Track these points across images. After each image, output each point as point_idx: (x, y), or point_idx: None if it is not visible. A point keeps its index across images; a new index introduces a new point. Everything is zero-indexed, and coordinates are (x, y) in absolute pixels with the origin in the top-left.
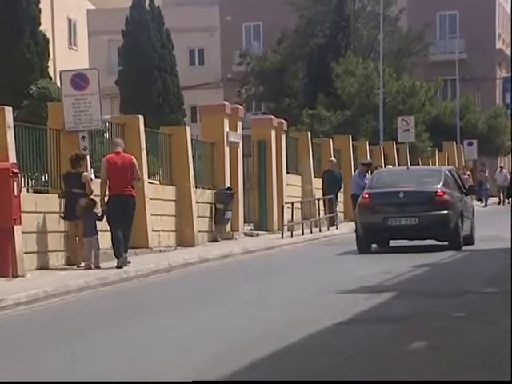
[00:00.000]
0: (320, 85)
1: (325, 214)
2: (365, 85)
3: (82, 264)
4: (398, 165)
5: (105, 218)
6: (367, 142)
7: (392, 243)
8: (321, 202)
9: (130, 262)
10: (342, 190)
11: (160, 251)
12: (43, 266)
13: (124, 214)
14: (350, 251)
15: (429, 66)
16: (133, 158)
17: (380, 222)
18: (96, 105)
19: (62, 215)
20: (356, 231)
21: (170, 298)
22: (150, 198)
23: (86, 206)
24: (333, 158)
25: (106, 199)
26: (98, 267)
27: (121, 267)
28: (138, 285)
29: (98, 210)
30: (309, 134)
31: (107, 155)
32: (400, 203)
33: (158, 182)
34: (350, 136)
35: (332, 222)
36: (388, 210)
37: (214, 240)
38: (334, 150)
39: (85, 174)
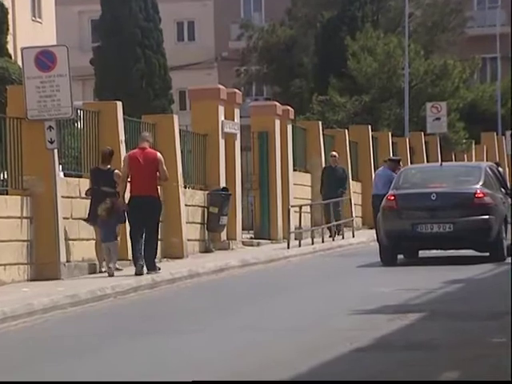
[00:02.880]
0: (332, 65)
1: (327, 221)
2: (386, 64)
3: (103, 269)
4: (427, 161)
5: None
6: (390, 134)
7: (422, 254)
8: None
9: (159, 269)
10: (346, 191)
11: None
12: None
13: (145, 217)
14: (370, 263)
15: (464, 42)
16: (158, 154)
17: (408, 228)
18: (65, 88)
19: (87, 218)
20: (378, 240)
21: (153, 320)
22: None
23: (112, 206)
24: (335, 153)
25: (127, 200)
26: (112, 275)
27: (140, 274)
28: (115, 304)
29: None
30: (320, 123)
31: (131, 150)
32: (432, 207)
33: None
34: (369, 126)
35: (338, 232)
36: (417, 215)
37: (206, 250)
38: (349, 142)
39: (116, 171)
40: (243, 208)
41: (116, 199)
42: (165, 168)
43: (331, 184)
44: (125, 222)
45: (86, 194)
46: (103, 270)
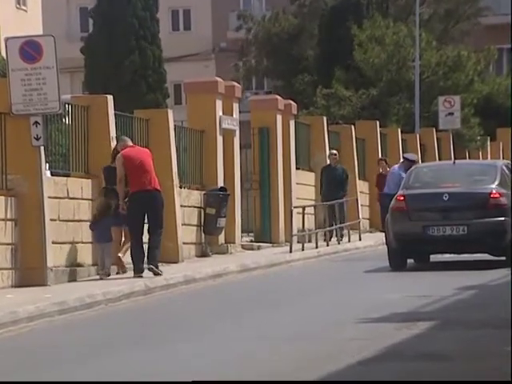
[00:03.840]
0: (337, 56)
1: (328, 225)
2: (396, 55)
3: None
4: (439, 158)
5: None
6: (399, 130)
7: (433, 258)
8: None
9: (161, 273)
10: (346, 193)
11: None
12: None
13: (150, 212)
14: (378, 268)
15: (478, 32)
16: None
17: (418, 231)
18: (52, 81)
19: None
20: (387, 243)
21: (146, 329)
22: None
23: (106, 206)
24: (334, 151)
25: (127, 199)
26: (105, 277)
27: (140, 276)
28: (106, 312)
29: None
30: (324, 119)
31: (122, 150)
32: (444, 208)
33: None
34: (377, 122)
35: (341, 236)
36: (429, 217)
37: (203, 255)
38: (356, 139)
39: None
40: (242, 209)
41: (112, 199)
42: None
43: (331, 185)
44: (121, 224)
45: (99, 195)
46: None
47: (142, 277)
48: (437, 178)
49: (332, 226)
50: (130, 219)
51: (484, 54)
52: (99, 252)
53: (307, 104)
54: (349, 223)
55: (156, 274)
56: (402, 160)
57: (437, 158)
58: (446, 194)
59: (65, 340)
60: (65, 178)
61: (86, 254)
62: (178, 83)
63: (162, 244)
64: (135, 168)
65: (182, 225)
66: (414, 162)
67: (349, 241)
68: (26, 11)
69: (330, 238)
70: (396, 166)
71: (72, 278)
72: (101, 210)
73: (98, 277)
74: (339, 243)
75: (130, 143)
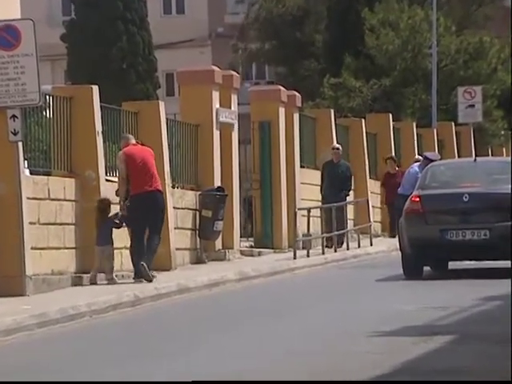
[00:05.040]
0: (346, 42)
1: (327, 230)
2: (411, 42)
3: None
4: (459, 155)
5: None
6: (414, 124)
7: (452, 266)
8: (349, 207)
9: (155, 276)
10: (349, 193)
11: (123, 276)
12: None
13: (151, 214)
14: (391, 277)
15: (503, 16)
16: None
17: (435, 235)
18: (32, 70)
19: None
20: (401, 249)
21: (134, 343)
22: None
23: (104, 205)
24: (337, 145)
25: (127, 201)
26: (112, 282)
27: (141, 281)
28: (90, 325)
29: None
30: (332, 111)
31: (124, 148)
32: (464, 210)
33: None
34: (390, 115)
35: (341, 243)
36: (446, 220)
37: (198, 261)
38: (367, 134)
39: None
40: (242, 211)
41: (109, 201)
42: None
43: (333, 183)
44: (121, 226)
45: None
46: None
47: (142, 281)
48: (456, 177)
49: (330, 231)
50: (132, 222)
51: (508, 41)
52: (98, 255)
53: (313, 95)
54: (358, 227)
55: (147, 278)
56: (415, 158)
57: (456, 155)
58: (466, 194)
59: (45, 355)
60: (45, 177)
61: (69, 261)
62: (170, 72)
63: None
64: (137, 167)
65: (175, 228)
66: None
67: (358, 246)
68: None
69: (335, 244)
70: (415, 164)
71: (53, 287)
72: (98, 213)
73: (83, 285)
74: (336, 251)
75: (133, 141)
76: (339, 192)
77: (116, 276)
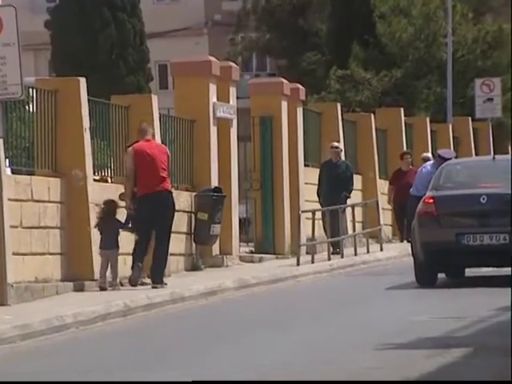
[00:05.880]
0: (354, 30)
1: (328, 234)
2: (424, 30)
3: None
4: (476, 153)
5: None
6: (428, 119)
7: (468, 273)
8: (358, 210)
9: (166, 284)
10: (350, 195)
11: (112, 285)
12: None
13: (158, 216)
14: (403, 285)
15: None
16: (166, 148)
17: (451, 240)
18: (13, 61)
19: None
20: (414, 254)
21: (122, 358)
22: (96, 204)
23: (109, 211)
24: (336, 144)
25: (134, 201)
26: (117, 288)
27: (134, 285)
28: (76, 337)
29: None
30: (338, 105)
31: (134, 143)
32: (482, 212)
33: (108, 180)
34: (402, 109)
35: (337, 250)
36: (463, 223)
37: (193, 268)
38: (376, 130)
39: None
40: (241, 214)
41: (115, 203)
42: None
43: (332, 185)
44: (127, 227)
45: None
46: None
47: (163, 287)
48: (473, 177)
49: (329, 236)
50: (137, 223)
51: None
52: (103, 260)
53: (318, 88)
54: (366, 230)
55: (133, 283)
56: (423, 157)
57: (473, 153)
58: (484, 195)
59: (28, 369)
60: (28, 177)
61: (54, 268)
62: (163, 63)
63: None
64: (145, 165)
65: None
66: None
67: (367, 251)
68: None
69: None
70: (427, 163)
71: (37, 296)
72: (102, 217)
73: (70, 293)
74: (329, 259)
75: (149, 136)
76: (338, 194)
77: (120, 282)
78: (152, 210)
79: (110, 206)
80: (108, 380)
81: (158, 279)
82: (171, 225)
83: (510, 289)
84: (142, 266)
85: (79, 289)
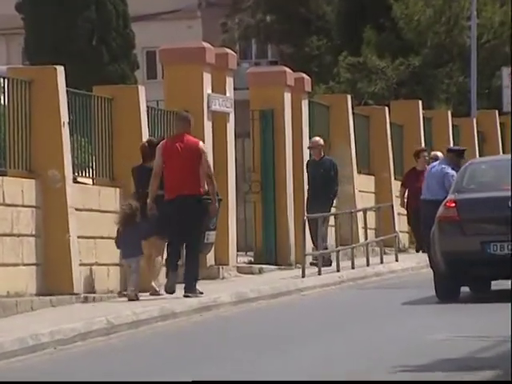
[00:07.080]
0: (366, 13)
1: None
2: (445, 12)
3: (129, 292)
4: (503, 151)
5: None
6: (449, 113)
7: (494, 286)
8: (370, 215)
9: (202, 293)
10: (334, 196)
11: (94, 299)
12: None
13: (182, 223)
14: (420, 300)
15: None
16: (201, 143)
17: (475, 249)
18: None
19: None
20: (433, 266)
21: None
22: (77, 209)
23: (131, 213)
24: (318, 138)
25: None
26: (136, 298)
27: (171, 293)
28: (54, 358)
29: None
30: (349, 97)
31: (166, 139)
32: (509, 218)
33: (90, 182)
34: (420, 102)
35: (327, 261)
36: (489, 230)
37: None
38: (391, 125)
39: None
40: (239, 220)
41: (138, 203)
42: (208, 160)
43: (316, 185)
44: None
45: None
46: (125, 293)
47: (196, 296)
48: (499, 178)
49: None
50: (160, 227)
51: None
52: (125, 269)
53: (325, 78)
54: (380, 238)
55: (163, 292)
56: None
57: (500, 151)
58: None
59: None
60: (0, 178)
61: (28, 280)
62: (151, 50)
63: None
64: (170, 165)
65: None
66: (461, 153)
67: (381, 262)
68: None
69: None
70: (435, 162)
71: (10, 312)
72: (123, 218)
73: (46, 309)
74: (338, 270)
75: (187, 129)
76: (321, 196)
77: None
78: (180, 216)
79: (131, 210)
80: None
81: (189, 288)
82: (198, 231)
83: None
84: (176, 272)
85: (57, 304)
